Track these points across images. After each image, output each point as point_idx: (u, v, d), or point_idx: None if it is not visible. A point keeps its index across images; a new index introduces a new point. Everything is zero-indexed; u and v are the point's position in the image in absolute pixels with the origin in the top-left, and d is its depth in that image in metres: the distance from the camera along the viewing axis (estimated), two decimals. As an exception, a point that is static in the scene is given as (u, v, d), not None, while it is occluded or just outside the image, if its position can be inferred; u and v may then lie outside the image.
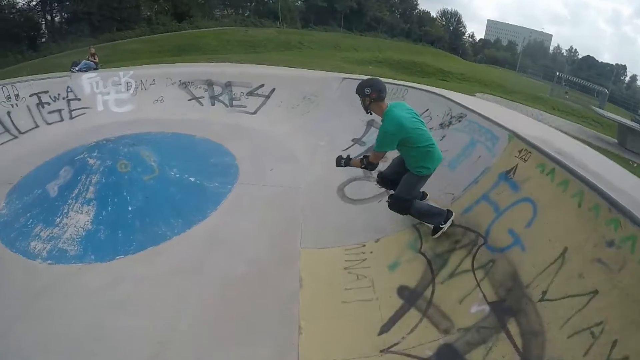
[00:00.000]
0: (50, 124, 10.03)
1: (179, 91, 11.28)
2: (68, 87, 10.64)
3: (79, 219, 5.91)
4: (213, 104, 11.01)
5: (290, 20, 44.46)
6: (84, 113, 10.47)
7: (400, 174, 3.79)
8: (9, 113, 9.68)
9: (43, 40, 29.15)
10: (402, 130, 3.31)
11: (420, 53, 38.50)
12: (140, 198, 6.06)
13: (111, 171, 6.26)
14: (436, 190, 4.64)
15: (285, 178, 6.96)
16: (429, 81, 19.40)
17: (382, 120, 3.46)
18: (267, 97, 10.71)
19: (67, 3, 31.54)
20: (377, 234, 4.67)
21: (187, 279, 4.51)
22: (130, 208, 5.95)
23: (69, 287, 4.45)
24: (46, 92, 10.34)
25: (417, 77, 21.78)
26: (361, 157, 3.79)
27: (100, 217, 5.88)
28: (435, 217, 3.78)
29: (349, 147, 7.48)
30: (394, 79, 11.55)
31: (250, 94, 10.91)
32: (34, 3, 30.89)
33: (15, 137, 9.48)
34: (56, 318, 3.91)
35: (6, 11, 29.49)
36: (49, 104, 10.29)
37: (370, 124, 7.81)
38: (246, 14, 43.81)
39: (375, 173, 4.30)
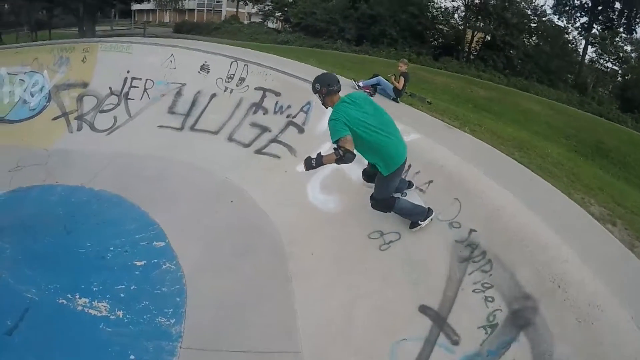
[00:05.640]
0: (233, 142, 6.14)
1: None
2: (309, 102, 6.23)
3: None
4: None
5: None
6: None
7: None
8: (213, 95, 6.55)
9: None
10: (346, 116, 3.35)
11: None
12: None
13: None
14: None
15: None
16: None
17: None
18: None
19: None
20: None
21: None
22: None
23: None
24: (278, 94, 6.40)
25: None
26: (335, 147, 3.32)
27: None
28: (415, 215, 3.88)
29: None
30: None
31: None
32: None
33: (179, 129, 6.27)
34: None
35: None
36: (267, 110, 6.36)
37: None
38: None
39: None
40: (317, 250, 3.86)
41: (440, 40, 27.74)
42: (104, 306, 3.40)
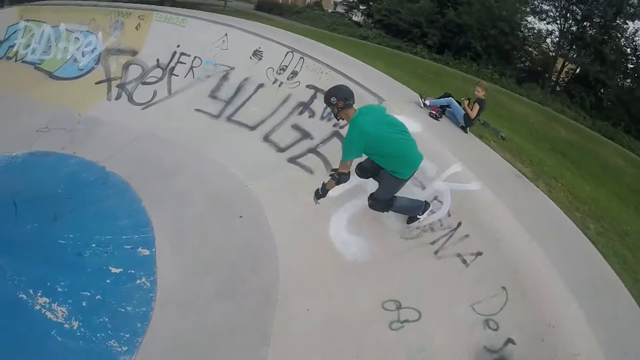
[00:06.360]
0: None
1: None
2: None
3: None
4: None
5: None
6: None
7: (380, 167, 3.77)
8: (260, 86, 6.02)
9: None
10: (364, 136, 3.33)
11: None
12: None
13: None
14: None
15: None
16: None
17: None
18: None
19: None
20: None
21: None
22: None
23: None
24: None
25: None
26: (331, 173, 3.66)
27: None
28: (414, 210, 3.89)
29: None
30: None
31: None
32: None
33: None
34: None
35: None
36: (314, 114, 5.71)
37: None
38: None
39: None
40: (315, 307, 3.14)
41: (527, 64, 25.27)
42: (62, 312, 2.99)
